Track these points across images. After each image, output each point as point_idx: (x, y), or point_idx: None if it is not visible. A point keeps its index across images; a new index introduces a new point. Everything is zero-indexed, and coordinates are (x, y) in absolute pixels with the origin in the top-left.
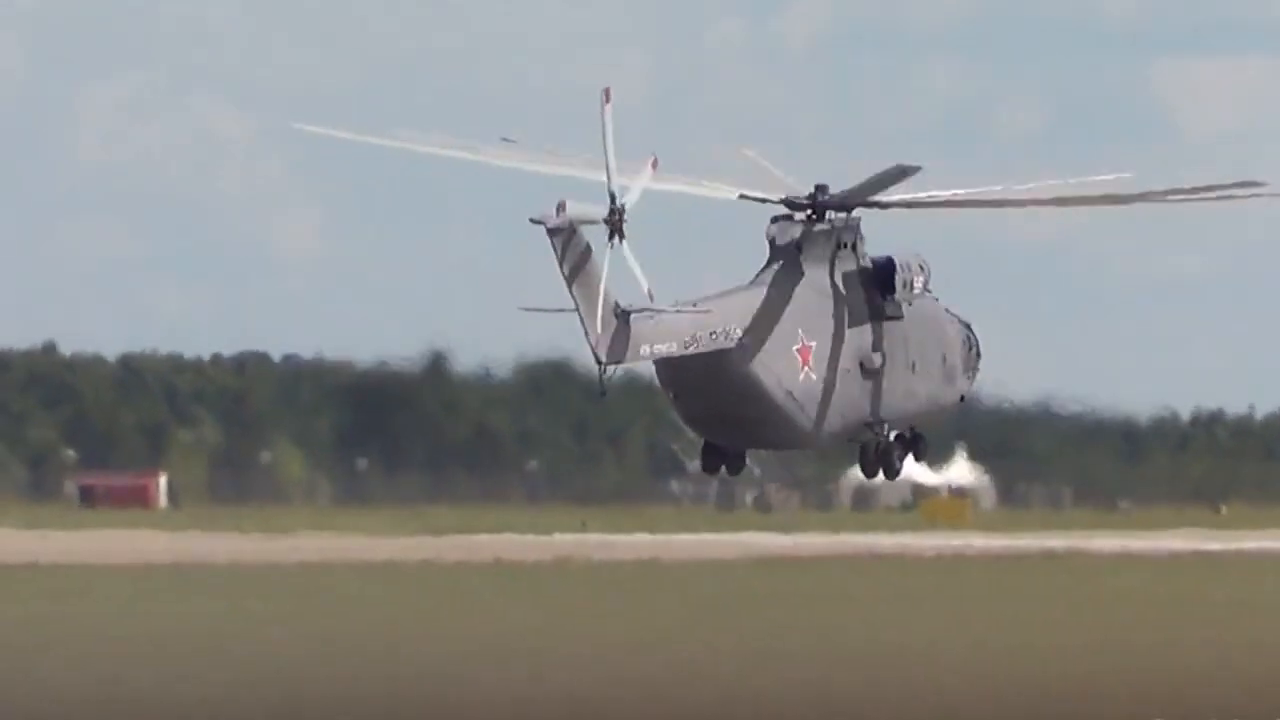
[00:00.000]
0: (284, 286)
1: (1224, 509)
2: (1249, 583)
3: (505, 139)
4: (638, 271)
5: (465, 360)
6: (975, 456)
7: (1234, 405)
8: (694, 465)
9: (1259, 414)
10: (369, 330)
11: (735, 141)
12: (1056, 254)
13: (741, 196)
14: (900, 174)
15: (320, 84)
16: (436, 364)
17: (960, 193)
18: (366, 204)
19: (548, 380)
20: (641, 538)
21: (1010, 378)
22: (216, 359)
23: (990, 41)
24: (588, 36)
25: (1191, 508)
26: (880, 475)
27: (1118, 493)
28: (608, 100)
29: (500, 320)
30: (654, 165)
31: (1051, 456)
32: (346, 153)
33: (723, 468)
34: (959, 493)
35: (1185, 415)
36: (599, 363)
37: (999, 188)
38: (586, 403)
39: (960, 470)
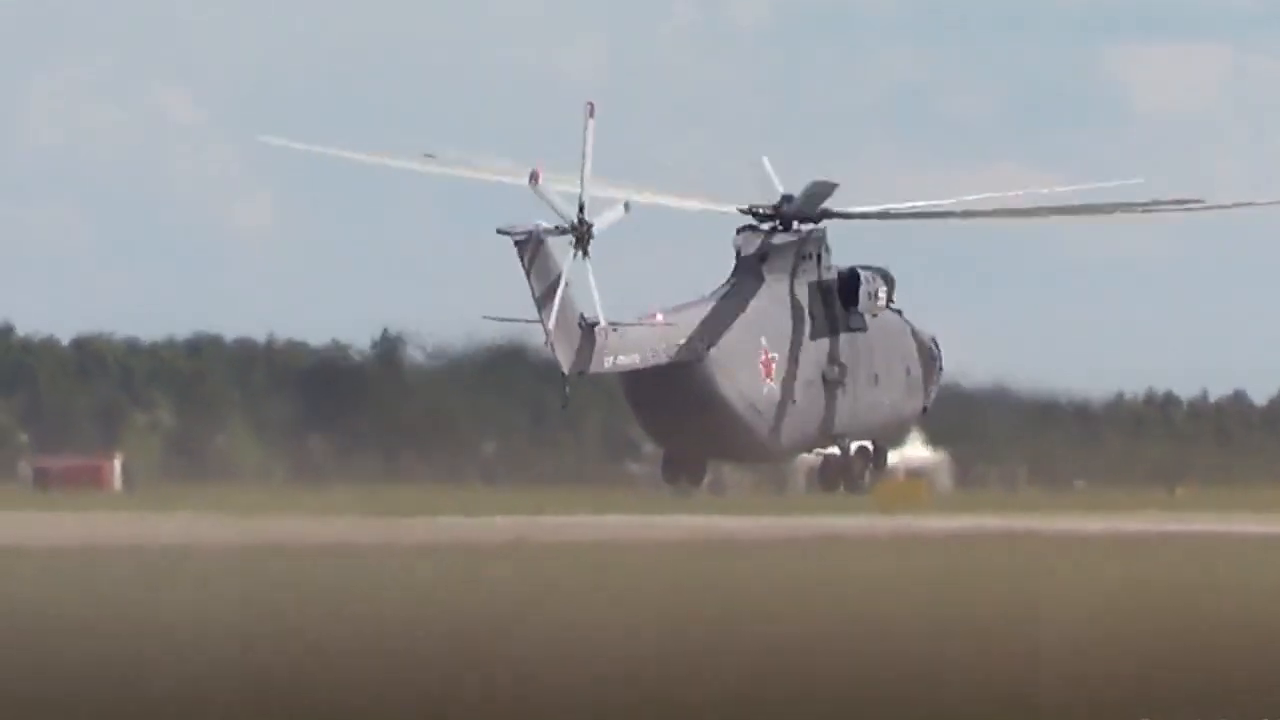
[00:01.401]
0: (237, 269)
1: (1179, 490)
2: (1203, 563)
3: (428, 154)
4: (612, 211)
5: (419, 342)
6: (931, 437)
7: (1186, 388)
8: (649, 448)
9: (1211, 397)
10: (323, 312)
11: (688, 136)
12: (1010, 236)
13: (740, 210)
14: (825, 189)
15: (271, 73)
16: (390, 346)
17: (925, 204)
18: (318, 186)
19: (503, 363)
20: (597, 519)
21: (965, 360)
22: (170, 342)
23: (941, 26)
24: (539, 29)
25: (1147, 489)
26: (841, 489)
27: (1073, 474)
28: (591, 114)
29: (454, 303)
30: (626, 207)
31: (1007, 438)
32: (298, 132)
33: (683, 478)
34: (915, 474)
35: (1139, 398)
36: (563, 374)
37: (970, 198)
38: (542, 385)
39: (916, 451)
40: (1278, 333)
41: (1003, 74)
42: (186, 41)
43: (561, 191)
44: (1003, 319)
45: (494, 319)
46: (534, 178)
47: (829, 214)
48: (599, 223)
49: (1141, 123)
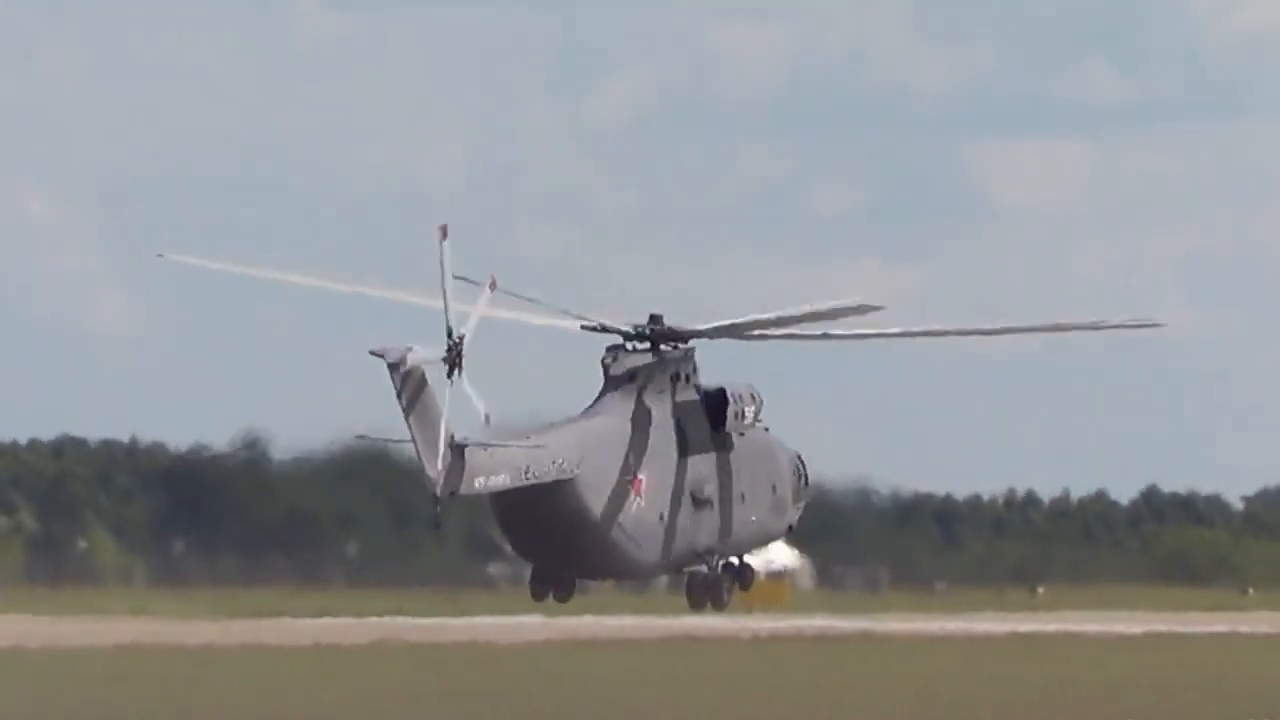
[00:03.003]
0: (101, 369)
1: (1040, 590)
2: (1065, 663)
3: (342, 273)
4: (476, 400)
5: (282, 443)
6: (793, 539)
7: (1048, 488)
8: (511, 549)
9: (1074, 497)
10: (185, 414)
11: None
12: (870, 341)
13: (582, 327)
14: (860, 310)
15: (137, 167)
16: (253, 447)
17: (798, 324)
18: (179, 289)
19: (365, 465)
20: (459, 621)
21: (827, 462)
22: (34, 444)
23: (804, 122)
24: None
25: (1009, 589)
26: (708, 607)
27: (934, 575)
28: (444, 237)
29: (317, 403)
30: (491, 287)
31: (868, 539)
32: (165, 237)
33: (551, 593)
34: (776, 575)
35: (1000, 498)
36: (434, 496)
37: (831, 304)
38: (404, 486)
39: (778, 552)
40: (1139, 432)
41: (865, 171)
42: (51, 141)
43: (414, 305)
44: (864, 422)
45: (366, 439)
46: (443, 232)
47: (698, 334)
48: (469, 325)
49: (1003, 219)
